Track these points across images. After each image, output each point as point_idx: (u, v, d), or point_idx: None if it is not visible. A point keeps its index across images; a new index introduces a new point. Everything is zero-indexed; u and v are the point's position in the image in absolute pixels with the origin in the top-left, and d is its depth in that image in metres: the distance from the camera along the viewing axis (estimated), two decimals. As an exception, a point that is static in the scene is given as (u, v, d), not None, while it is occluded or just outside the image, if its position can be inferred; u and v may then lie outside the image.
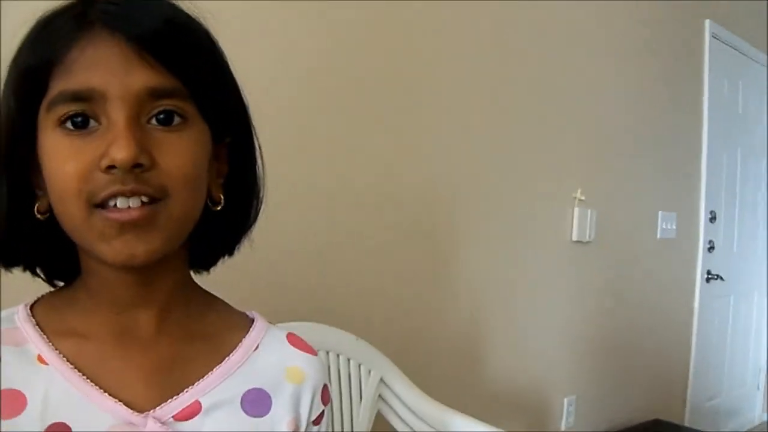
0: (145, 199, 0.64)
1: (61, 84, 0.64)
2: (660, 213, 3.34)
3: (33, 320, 0.71)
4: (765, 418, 4.31)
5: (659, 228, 3.34)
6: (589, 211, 2.82)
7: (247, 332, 0.77)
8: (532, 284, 2.67)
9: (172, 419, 0.69)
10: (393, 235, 2.13)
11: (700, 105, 3.61)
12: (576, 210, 2.79)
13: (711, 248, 3.73)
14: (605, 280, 3.03)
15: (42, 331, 0.70)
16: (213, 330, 0.77)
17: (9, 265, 0.72)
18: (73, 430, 0.65)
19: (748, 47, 3.96)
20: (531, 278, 2.66)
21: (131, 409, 0.67)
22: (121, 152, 0.62)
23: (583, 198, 2.78)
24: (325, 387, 0.80)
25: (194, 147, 0.69)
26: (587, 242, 2.85)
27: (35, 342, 0.69)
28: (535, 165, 2.62)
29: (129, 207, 0.64)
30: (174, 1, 0.70)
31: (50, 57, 0.65)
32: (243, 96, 0.76)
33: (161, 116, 0.66)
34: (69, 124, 0.65)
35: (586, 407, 2.98)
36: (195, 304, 0.77)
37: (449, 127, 2.29)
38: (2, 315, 0.72)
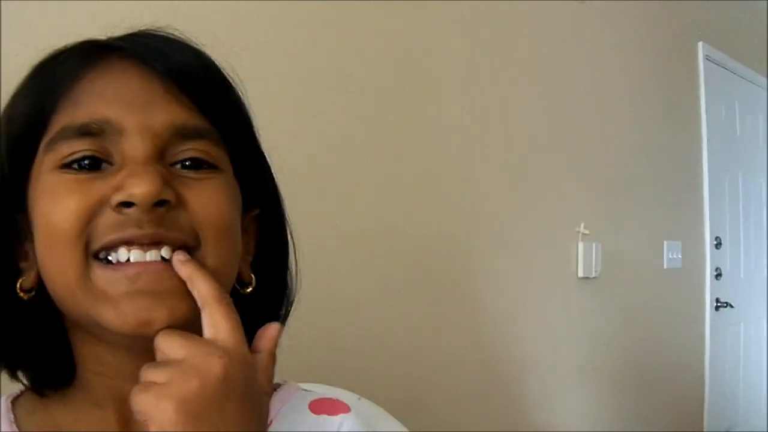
0: (166, 253, 0.52)
1: (65, 118, 0.53)
2: (665, 242, 3.24)
3: (12, 416, 0.59)
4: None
5: (665, 258, 3.24)
6: (593, 245, 2.72)
7: None
8: (541, 325, 2.55)
9: None
10: (394, 283, 2.02)
11: (699, 129, 3.53)
12: (581, 245, 2.69)
13: (718, 275, 3.63)
14: (614, 316, 2.92)
15: (19, 430, 0.58)
16: None
17: None
18: None
19: (742, 68, 3.90)
20: (540, 320, 2.55)
21: None
22: (141, 185, 0.50)
23: (587, 232, 2.69)
24: None
25: (228, 194, 0.57)
26: (594, 278, 2.74)
27: None
28: (536, 202, 2.53)
29: (146, 262, 0.52)
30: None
31: (53, 89, 0.54)
32: (269, 163, 0.66)
33: (187, 162, 0.55)
34: (75, 165, 0.53)
35: (600, 447, 2.87)
36: None
37: (448, 166, 2.19)
38: None
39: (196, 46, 0.60)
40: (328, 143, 1.87)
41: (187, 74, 0.55)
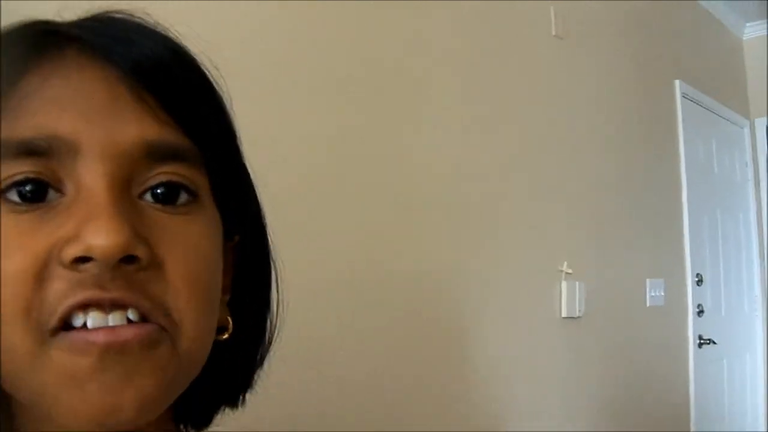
0: (133, 316, 0.40)
1: (3, 130, 0.40)
2: (648, 280, 3.23)
3: None
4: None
5: (648, 296, 3.22)
6: (577, 284, 2.70)
7: None
8: (525, 366, 2.51)
9: None
10: (377, 323, 1.98)
11: (678, 167, 3.55)
12: (564, 284, 2.67)
13: (700, 312, 3.62)
14: (599, 356, 2.88)
15: None
16: None
17: None
18: None
19: (719, 106, 3.94)
20: (524, 361, 2.51)
21: None
22: (102, 236, 0.38)
23: (570, 271, 2.67)
24: None
25: (210, 240, 0.46)
26: (578, 317, 2.72)
27: None
28: (519, 241, 2.50)
29: (108, 326, 0.39)
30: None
31: None
32: (253, 178, 0.54)
33: (159, 191, 0.43)
34: (14, 195, 0.40)
35: (588, 490, 2.82)
36: None
37: (429, 207, 2.17)
38: None
39: (170, 35, 0.48)
40: (318, 159, 1.85)
41: (163, 75, 0.44)
